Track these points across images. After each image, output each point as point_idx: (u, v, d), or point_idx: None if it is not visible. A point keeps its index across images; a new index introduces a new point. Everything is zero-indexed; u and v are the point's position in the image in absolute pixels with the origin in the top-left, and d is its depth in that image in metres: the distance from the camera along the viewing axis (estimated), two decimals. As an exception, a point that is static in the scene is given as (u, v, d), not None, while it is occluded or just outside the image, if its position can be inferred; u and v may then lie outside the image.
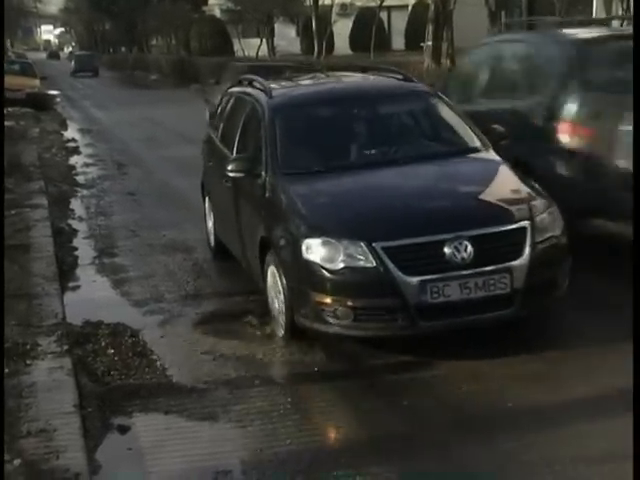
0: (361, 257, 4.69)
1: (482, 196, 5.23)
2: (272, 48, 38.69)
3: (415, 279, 4.62)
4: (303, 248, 4.85)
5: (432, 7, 22.06)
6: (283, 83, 7.18)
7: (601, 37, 7.41)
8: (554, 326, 5.31)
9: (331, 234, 4.82)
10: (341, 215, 5.04)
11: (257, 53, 37.94)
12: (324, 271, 4.75)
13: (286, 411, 4.34)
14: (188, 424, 4.28)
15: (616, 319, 5.03)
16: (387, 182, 5.43)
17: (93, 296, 6.56)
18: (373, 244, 4.68)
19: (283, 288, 5.03)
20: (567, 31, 8.03)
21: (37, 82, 24.52)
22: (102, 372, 4.86)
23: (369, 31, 30.03)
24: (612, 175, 5.98)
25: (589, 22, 9.04)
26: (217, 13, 48.52)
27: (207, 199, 7.62)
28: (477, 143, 5.92)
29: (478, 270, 4.68)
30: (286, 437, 4.05)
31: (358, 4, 38.70)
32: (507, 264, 4.74)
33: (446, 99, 6.39)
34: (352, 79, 7.12)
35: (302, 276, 4.88)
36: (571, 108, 6.45)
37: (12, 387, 4.44)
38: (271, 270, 5.24)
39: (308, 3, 33.83)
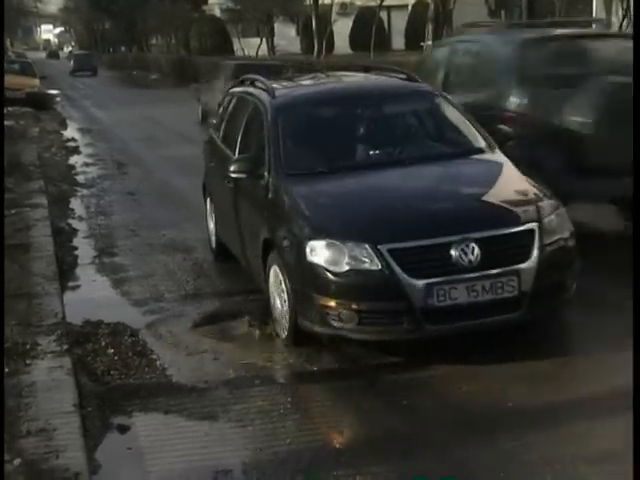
0: (366, 259, 4.63)
1: (489, 198, 5.13)
2: (272, 47, 38.69)
3: (421, 282, 4.55)
4: (307, 250, 4.78)
5: (432, 6, 22.08)
6: (286, 83, 7.15)
7: (544, 38, 8.08)
8: (554, 325, 5.30)
9: (335, 236, 4.75)
10: (346, 217, 4.97)
11: (257, 52, 37.94)
12: (328, 274, 4.69)
13: (286, 411, 4.34)
14: (188, 424, 4.28)
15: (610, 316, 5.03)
16: (392, 183, 5.37)
17: (93, 295, 6.56)
18: (378, 246, 4.62)
19: (286, 290, 4.98)
20: (514, 32, 8.80)
21: (37, 81, 24.52)
22: (102, 372, 4.86)
23: (369, 30, 30.00)
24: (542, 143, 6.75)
25: (541, 24, 10.26)
26: (217, 12, 48.53)
27: (209, 200, 7.56)
28: (483, 144, 5.85)
29: (485, 273, 4.61)
30: (286, 437, 4.05)
31: (358, 3, 38.70)
32: (515, 267, 4.68)
33: (450, 99, 6.32)
34: (355, 79, 7.08)
35: (306, 279, 4.82)
36: (513, 100, 7.17)
37: (12, 386, 4.44)
38: (274, 272, 5.19)
39: (308, 2, 33.80)
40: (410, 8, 36.39)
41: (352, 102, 6.22)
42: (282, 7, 37.63)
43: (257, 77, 6.84)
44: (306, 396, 4.57)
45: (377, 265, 4.60)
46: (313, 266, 4.75)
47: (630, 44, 7.29)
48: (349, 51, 35.95)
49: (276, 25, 41.39)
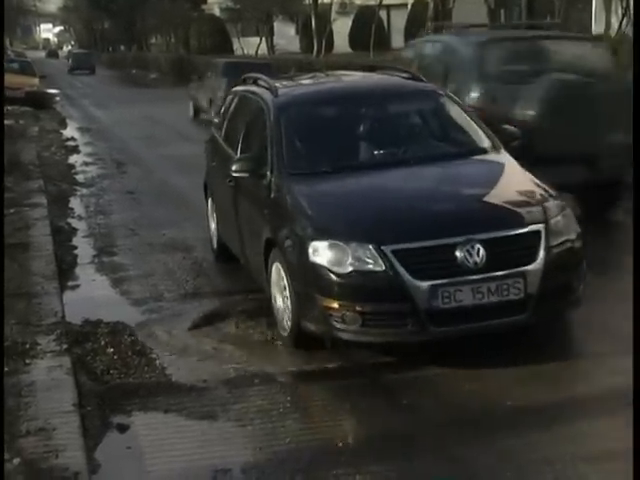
0: (370, 260, 4.57)
1: (494, 198, 5.07)
2: (271, 47, 38.69)
3: (426, 283, 4.49)
4: (310, 251, 4.73)
5: (431, 5, 22.08)
6: (289, 82, 7.11)
7: (500, 38, 9.17)
8: (554, 324, 5.30)
9: (339, 236, 4.70)
10: (349, 217, 4.91)
11: (256, 52, 37.94)
12: (331, 274, 4.63)
13: (285, 410, 4.33)
14: (187, 423, 4.28)
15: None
16: (396, 183, 5.33)
17: (92, 295, 6.55)
18: (382, 247, 4.56)
19: (289, 291, 4.93)
20: (473, 33, 9.84)
21: (36, 81, 24.51)
22: (101, 371, 4.86)
23: (369, 29, 30.00)
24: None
25: (500, 26, 11.79)
26: (216, 12, 48.51)
27: (210, 200, 7.50)
28: (488, 144, 5.80)
29: (491, 274, 4.55)
30: (285, 436, 4.05)
31: (357, 2, 38.71)
32: (521, 268, 4.62)
33: (456, 98, 6.28)
34: (359, 78, 7.05)
35: (308, 279, 4.76)
36: (473, 95, 7.69)
37: (11, 386, 4.43)
38: (276, 272, 5.15)
39: (307, 1, 33.82)
40: (410, 7, 36.38)
41: (355, 101, 6.17)
42: (281, 6, 37.63)
43: (260, 76, 6.80)
44: (305, 395, 4.57)
45: (381, 266, 4.55)
46: (316, 267, 4.70)
47: (577, 45, 9.06)
48: (349, 50, 35.93)
49: (275, 24, 41.39)
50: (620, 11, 21.31)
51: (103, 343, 5.26)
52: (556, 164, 6.63)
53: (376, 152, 5.73)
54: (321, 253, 4.69)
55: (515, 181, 5.39)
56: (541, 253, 4.69)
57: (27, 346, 5.00)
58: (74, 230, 8.70)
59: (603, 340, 5.03)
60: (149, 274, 6.97)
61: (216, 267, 7.18)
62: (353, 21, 38.02)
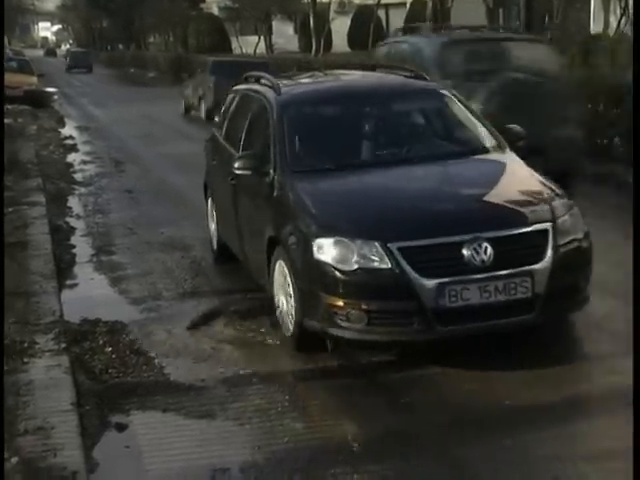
0: (376, 258, 4.53)
1: (501, 197, 5.02)
2: (270, 46, 38.67)
3: (432, 282, 4.45)
4: (314, 248, 4.68)
5: (430, 4, 22.07)
6: (291, 80, 7.07)
7: (460, 40, 10.19)
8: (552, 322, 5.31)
9: (344, 233, 4.65)
10: (354, 214, 4.86)
11: (255, 51, 37.93)
12: (336, 272, 4.58)
13: (284, 409, 4.33)
14: (186, 422, 4.27)
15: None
16: (400, 181, 5.29)
17: (91, 294, 6.55)
18: (388, 244, 4.52)
19: (292, 289, 4.88)
20: (436, 35, 11.10)
21: (34, 79, 24.47)
22: (100, 370, 4.86)
23: (367, 29, 29.99)
24: None
25: (460, 28, 12.63)
26: (215, 10, 48.50)
27: (210, 200, 7.44)
28: (493, 143, 5.76)
29: (498, 273, 4.51)
30: (284, 435, 4.05)
31: (356, 2, 38.74)
32: (528, 267, 4.58)
33: (460, 97, 6.23)
34: (362, 76, 7.03)
35: (313, 277, 4.71)
36: None
37: (10, 385, 4.43)
38: (279, 271, 5.09)
39: (306, 1, 33.80)
40: (408, 6, 36.37)
41: (358, 99, 6.15)
42: (280, 5, 37.63)
43: (262, 74, 6.78)
44: (304, 394, 4.57)
45: (387, 264, 4.51)
46: (320, 264, 4.65)
47: (530, 47, 10.12)
48: (347, 49, 35.93)
49: (274, 23, 41.38)
50: (618, 11, 21.32)
51: (101, 342, 5.26)
52: None
53: (380, 150, 5.70)
54: (326, 250, 4.65)
55: (522, 180, 5.34)
56: (549, 252, 4.65)
57: (25, 345, 4.99)
58: (72, 229, 8.69)
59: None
60: (147, 273, 6.97)
61: (215, 266, 7.18)
62: (352, 20, 38.03)
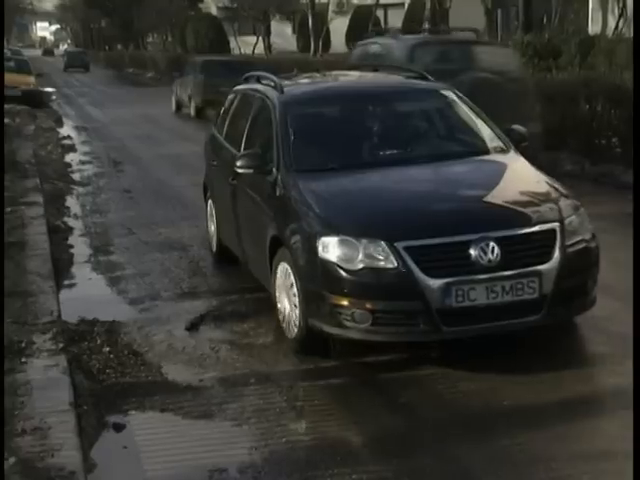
0: (381, 257, 4.49)
1: (508, 197, 4.99)
2: (268, 46, 38.66)
3: (439, 281, 4.41)
4: (319, 247, 4.64)
5: (428, 5, 22.07)
6: (293, 80, 7.03)
7: (428, 41, 11.64)
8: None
9: (349, 232, 4.61)
10: (360, 213, 4.83)
11: (253, 51, 37.92)
12: (341, 271, 4.54)
13: (282, 409, 4.33)
14: (184, 422, 4.27)
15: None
16: (406, 181, 5.25)
17: (89, 294, 6.54)
18: (395, 244, 4.48)
19: (296, 289, 4.83)
20: (404, 36, 12.37)
21: (32, 79, 24.43)
22: (97, 370, 4.85)
23: (366, 29, 29.97)
24: None
25: (425, 30, 15.46)
26: (213, 10, 48.48)
27: (210, 201, 7.37)
28: (498, 143, 5.73)
29: (505, 273, 4.47)
30: (282, 435, 4.05)
31: (354, 2, 38.72)
32: (536, 268, 4.54)
33: (465, 98, 6.19)
34: (365, 76, 7.01)
35: (317, 277, 4.67)
36: None
37: (7, 385, 4.42)
38: (282, 270, 5.05)
39: (304, 1, 33.80)
40: (406, 7, 36.37)
41: (362, 99, 6.11)
42: (278, 5, 37.62)
43: (263, 74, 6.76)
44: (302, 394, 4.56)
45: (393, 263, 4.47)
46: (325, 263, 4.61)
47: (491, 50, 11.55)
48: (346, 49, 35.92)
49: (272, 23, 41.37)
50: (617, 11, 21.32)
51: (99, 342, 5.25)
52: None
53: (383, 150, 5.67)
54: (331, 249, 4.61)
55: (528, 180, 5.31)
56: (556, 252, 4.62)
57: (23, 345, 4.98)
58: (70, 229, 8.68)
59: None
60: (145, 273, 6.96)
61: (213, 266, 7.17)
62: (350, 20, 38.02)
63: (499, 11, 25.24)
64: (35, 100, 22.67)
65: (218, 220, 7.02)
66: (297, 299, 4.86)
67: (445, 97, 6.18)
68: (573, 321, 5.13)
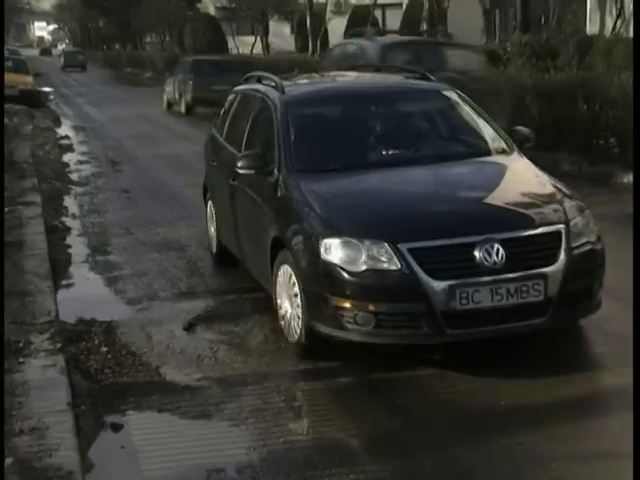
0: (385, 259, 4.45)
1: (513, 198, 4.95)
2: (266, 46, 38.64)
3: (443, 283, 4.36)
4: (321, 249, 4.59)
5: (426, 5, 22.07)
6: (293, 80, 7.00)
7: (399, 42, 12.94)
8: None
9: (352, 234, 4.56)
10: (362, 214, 4.78)
11: (251, 51, 37.91)
12: (344, 273, 4.49)
13: (280, 409, 4.33)
14: (181, 422, 4.27)
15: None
16: (409, 182, 5.21)
17: (86, 294, 6.54)
18: (398, 245, 4.43)
19: (298, 291, 4.78)
20: (378, 38, 13.63)
21: (30, 79, 24.40)
22: (95, 370, 4.85)
23: (364, 29, 29.97)
24: None
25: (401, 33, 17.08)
26: (211, 10, 48.45)
27: (210, 202, 7.27)
28: (501, 144, 5.69)
29: (510, 275, 4.43)
30: (279, 435, 4.04)
31: (352, 2, 38.69)
32: (541, 270, 4.50)
33: (467, 98, 6.15)
34: (366, 77, 6.98)
35: (320, 279, 4.62)
36: None
37: (5, 385, 4.40)
38: (283, 272, 5.00)
39: (302, 1, 33.79)
40: (404, 7, 36.37)
41: (364, 99, 6.07)
42: (276, 5, 37.59)
43: (264, 74, 6.73)
44: (300, 395, 4.56)
45: (396, 265, 4.42)
46: (328, 265, 4.56)
47: (461, 52, 12.77)
48: (344, 50, 35.88)
49: (271, 23, 41.34)
50: (614, 12, 21.34)
51: (97, 342, 5.25)
52: None
53: (386, 151, 5.63)
54: (333, 251, 4.57)
55: (533, 181, 5.27)
56: (561, 255, 4.57)
57: (21, 345, 4.98)
58: (68, 229, 8.67)
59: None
60: (143, 273, 6.95)
61: (210, 266, 7.16)
62: (348, 20, 37.99)
63: (497, 11, 25.30)
64: (33, 100, 22.65)
65: (218, 221, 6.96)
66: (299, 301, 4.81)
67: (447, 97, 6.14)
68: (578, 324, 5.10)
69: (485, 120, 5.93)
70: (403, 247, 4.44)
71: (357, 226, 4.65)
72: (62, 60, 56.04)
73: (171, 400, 4.48)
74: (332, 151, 5.56)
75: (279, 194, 5.28)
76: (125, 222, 8.90)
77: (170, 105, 23.38)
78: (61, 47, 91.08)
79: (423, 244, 4.48)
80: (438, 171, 5.39)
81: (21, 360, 4.78)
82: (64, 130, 18.65)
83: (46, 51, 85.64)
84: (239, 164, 5.59)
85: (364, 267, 4.48)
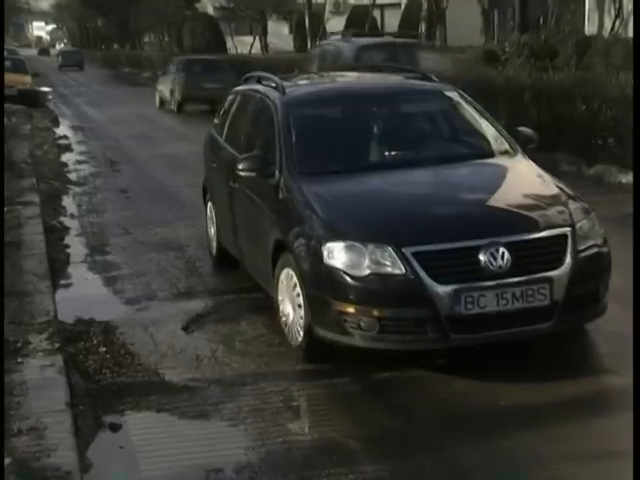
0: (388, 263, 4.38)
1: (518, 201, 4.88)
2: (265, 46, 38.65)
3: (448, 288, 4.29)
4: (324, 253, 4.52)
5: (425, 5, 22.07)
6: (294, 81, 6.91)
7: (374, 44, 13.66)
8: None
9: (356, 237, 4.49)
10: (366, 217, 4.71)
11: (250, 50, 37.93)
12: (347, 277, 4.43)
13: (278, 409, 4.33)
14: (180, 422, 4.27)
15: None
16: (412, 184, 5.15)
17: (85, 294, 6.53)
18: (402, 249, 4.37)
19: (301, 296, 4.72)
20: (354, 39, 14.03)
21: (29, 79, 24.39)
22: (94, 370, 4.84)
23: (362, 29, 29.99)
24: None
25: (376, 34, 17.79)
26: (210, 10, 48.46)
27: (210, 203, 7.18)
28: (505, 145, 5.62)
29: (516, 280, 4.36)
30: (278, 435, 4.04)
31: (351, 2, 38.72)
32: (547, 274, 4.43)
33: (470, 99, 6.07)
34: (367, 77, 6.92)
35: (323, 283, 4.55)
36: None
37: (4, 385, 4.41)
38: (285, 276, 4.93)
39: (301, 1, 33.80)
40: (403, 7, 36.37)
41: (366, 100, 5.99)
42: (275, 5, 37.61)
43: (264, 74, 6.68)
44: (298, 395, 4.56)
45: (400, 269, 4.36)
46: (330, 269, 4.49)
47: (430, 53, 13.97)
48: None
49: (269, 23, 41.35)
50: (613, 12, 21.35)
51: (95, 342, 5.24)
52: None
53: (388, 152, 5.56)
54: (336, 255, 4.50)
55: (538, 183, 5.20)
56: (567, 258, 4.51)
57: (19, 345, 4.97)
58: (67, 229, 8.67)
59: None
60: (142, 273, 6.95)
61: (209, 266, 7.16)
62: (347, 20, 37.98)
63: (496, 11, 25.31)
64: (31, 100, 22.63)
65: (218, 223, 6.88)
66: (301, 305, 4.76)
67: (449, 98, 6.07)
68: (583, 328, 5.05)
69: (488, 121, 5.86)
70: (407, 251, 4.38)
71: (360, 230, 4.59)
72: (59, 60, 56.47)
73: (170, 400, 4.48)
74: (334, 153, 5.49)
75: (280, 196, 5.21)
76: (124, 222, 8.90)
77: (162, 103, 24.09)
78: (59, 47, 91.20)
79: (428, 248, 4.42)
80: (441, 173, 5.32)
81: (19, 360, 4.78)
82: (62, 130, 18.65)
83: (44, 51, 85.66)
84: (240, 166, 5.52)
85: (368, 271, 4.42)
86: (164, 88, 24.06)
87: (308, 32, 32.67)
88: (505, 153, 5.58)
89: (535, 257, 4.50)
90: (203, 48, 39.81)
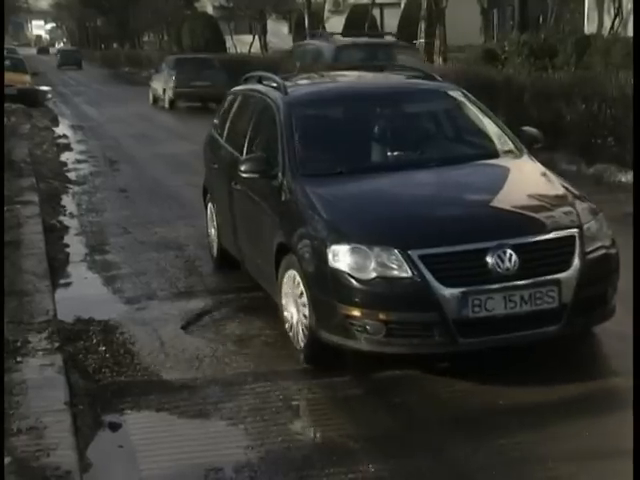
0: (395, 266, 4.32)
1: (525, 202, 4.82)
2: (264, 45, 38.64)
3: (455, 291, 4.23)
4: (329, 255, 4.45)
5: (424, 5, 22.05)
6: (295, 80, 6.83)
7: (352, 44, 14.64)
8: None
9: (361, 240, 4.42)
10: (371, 219, 4.65)
11: (249, 50, 37.92)
12: (353, 280, 4.36)
13: (278, 409, 4.33)
14: (179, 421, 4.27)
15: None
16: (417, 186, 5.09)
17: (84, 293, 6.53)
18: (409, 252, 4.30)
19: (306, 299, 4.65)
20: (333, 38, 15.26)
21: (28, 78, 24.39)
22: (93, 369, 4.84)
23: (362, 28, 29.98)
24: None
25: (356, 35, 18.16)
26: (209, 9, 48.46)
27: (210, 205, 7.09)
28: (510, 145, 5.54)
29: (524, 282, 4.30)
30: (278, 434, 4.04)
31: (351, 1, 38.71)
32: (555, 276, 4.37)
33: (474, 98, 5.98)
34: (370, 76, 6.86)
35: (327, 286, 4.48)
36: None
37: (3, 384, 4.41)
38: (289, 279, 4.87)
39: (300, 0, 33.78)
40: (403, 6, 36.37)
41: (369, 100, 5.91)
42: (275, 5, 37.60)
43: (265, 74, 6.62)
44: (298, 394, 4.56)
45: (407, 272, 4.30)
46: (336, 272, 4.43)
47: (406, 51, 14.69)
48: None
49: (269, 22, 41.35)
50: (612, 11, 21.35)
51: (95, 341, 5.24)
52: None
53: (393, 153, 5.48)
54: (342, 258, 4.43)
55: (544, 184, 5.14)
56: (575, 260, 4.45)
57: (18, 344, 4.97)
58: (66, 228, 8.67)
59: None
60: (141, 272, 6.95)
61: (209, 266, 7.15)
62: (346, 20, 38.00)
63: (495, 11, 25.31)
64: (31, 99, 22.61)
65: (219, 224, 6.80)
66: (306, 308, 4.69)
67: (453, 98, 6.00)
68: (591, 330, 4.99)
69: (493, 121, 5.79)
70: (414, 254, 4.32)
71: (366, 232, 4.52)
72: (58, 59, 56.84)
73: (169, 399, 4.48)
74: (338, 154, 5.41)
75: (284, 198, 5.15)
76: (123, 221, 8.89)
77: (155, 100, 24.88)
78: (58, 46, 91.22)
79: (434, 250, 4.36)
80: (447, 174, 5.24)
81: (19, 359, 4.78)
82: (62, 129, 18.64)
83: (44, 50, 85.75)
84: (242, 168, 5.44)
85: (373, 274, 4.36)
86: (157, 86, 24.80)
87: (307, 31, 32.66)
88: (511, 153, 5.52)
89: (543, 259, 4.44)
90: (202, 47, 39.76)
